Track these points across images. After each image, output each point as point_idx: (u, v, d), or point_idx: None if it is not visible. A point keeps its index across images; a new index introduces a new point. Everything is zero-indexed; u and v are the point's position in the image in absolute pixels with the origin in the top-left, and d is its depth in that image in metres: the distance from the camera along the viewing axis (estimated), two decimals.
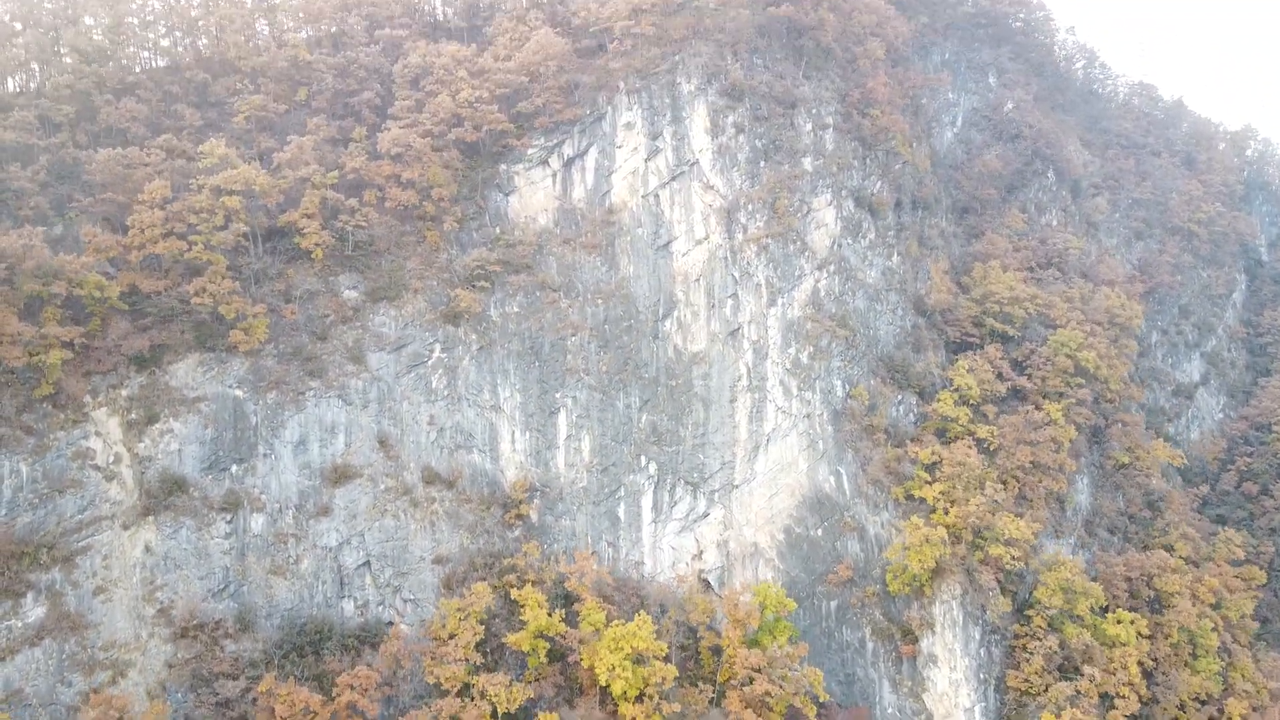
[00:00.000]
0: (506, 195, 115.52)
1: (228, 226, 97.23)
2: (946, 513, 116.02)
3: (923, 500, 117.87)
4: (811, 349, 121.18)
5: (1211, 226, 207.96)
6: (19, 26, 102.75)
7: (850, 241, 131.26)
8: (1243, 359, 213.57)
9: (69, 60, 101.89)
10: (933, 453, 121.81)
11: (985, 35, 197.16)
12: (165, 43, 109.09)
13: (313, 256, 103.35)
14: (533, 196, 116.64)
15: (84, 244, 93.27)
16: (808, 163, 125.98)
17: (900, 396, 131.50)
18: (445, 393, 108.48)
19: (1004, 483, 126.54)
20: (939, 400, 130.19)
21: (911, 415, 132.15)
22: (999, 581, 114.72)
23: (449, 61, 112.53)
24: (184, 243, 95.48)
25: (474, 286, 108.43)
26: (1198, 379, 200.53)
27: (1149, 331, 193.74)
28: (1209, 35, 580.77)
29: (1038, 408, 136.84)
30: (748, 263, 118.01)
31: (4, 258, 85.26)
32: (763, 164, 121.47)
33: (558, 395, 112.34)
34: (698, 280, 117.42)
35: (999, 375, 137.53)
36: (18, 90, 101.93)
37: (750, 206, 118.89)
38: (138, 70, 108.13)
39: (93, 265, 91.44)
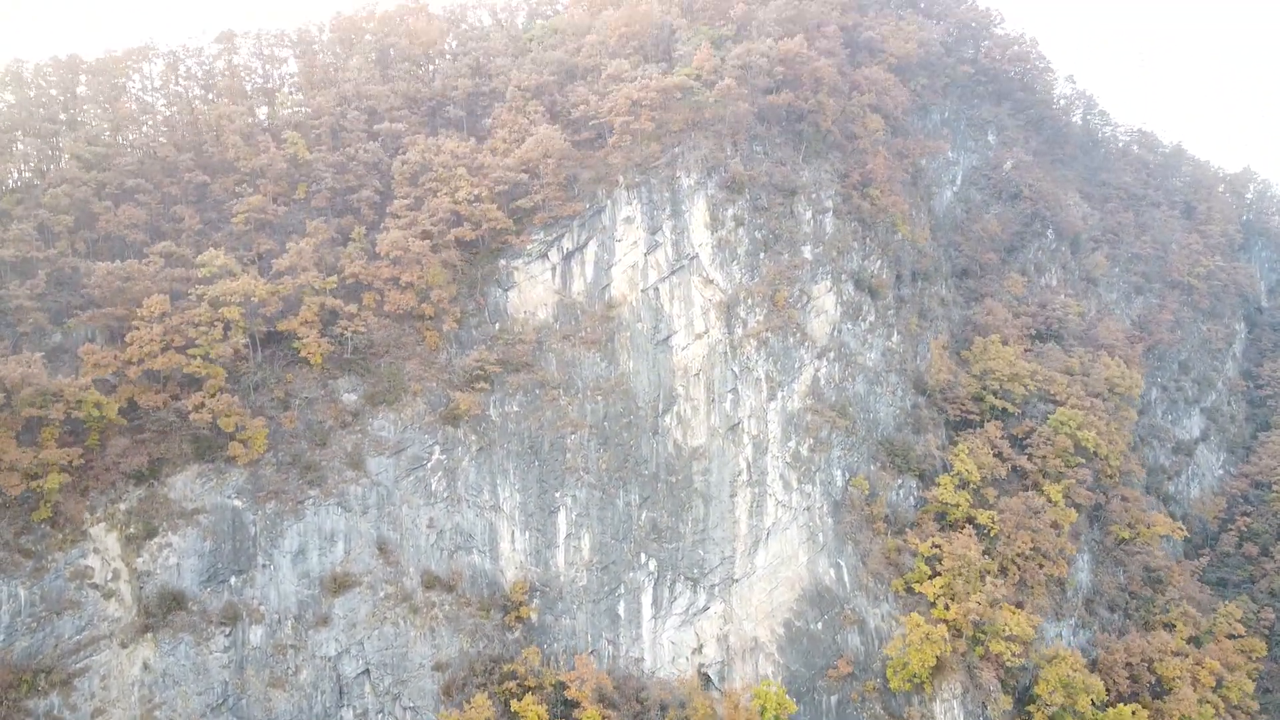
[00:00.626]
0: (506, 290, 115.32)
1: (226, 338, 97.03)
2: (947, 608, 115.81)
3: (923, 595, 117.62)
4: (811, 441, 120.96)
5: (1211, 280, 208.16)
6: (19, 134, 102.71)
7: (850, 326, 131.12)
8: (1242, 411, 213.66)
9: (68, 165, 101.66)
10: (933, 544, 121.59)
11: (985, 91, 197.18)
12: (164, 140, 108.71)
13: (311, 362, 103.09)
14: (532, 290, 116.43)
15: (82, 360, 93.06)
16: (807, 251, 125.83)
17: (900, 480, 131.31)
18: (445, 494, 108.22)
19: (1004, 569, 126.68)
20: (939, 485, 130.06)
21: (912, 499, 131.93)
22: (1000, 679, 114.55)
23: (448, 159, 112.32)
24: (183, 356, 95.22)
25: (473, 388, 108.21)
26: (1198, 435, 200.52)
27: (1149, 388, 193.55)
28: (1210, 75, 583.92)
29: (1037, 487, 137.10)
30: (747, 358, 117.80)
31: (2, 386, 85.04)
32: (762, 255, 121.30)
33: (557, 494, 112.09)
34: (697, 375, 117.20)
35: (999, 455, 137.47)
36: (16, 188, 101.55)
37: (750, 300, 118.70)
38: (137, 160, 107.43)
39: (90, 385, 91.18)
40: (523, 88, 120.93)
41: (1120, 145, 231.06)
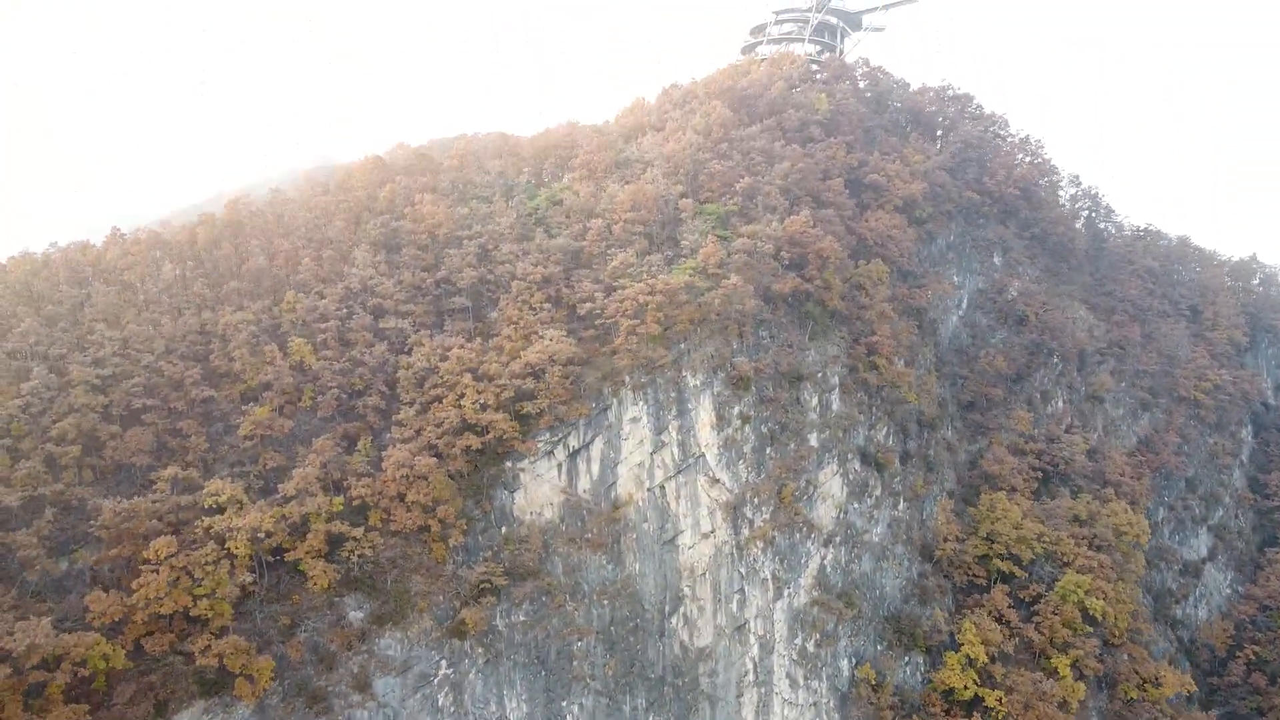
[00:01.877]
0: (512, 492, 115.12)
1: (233, 575, 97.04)
2: None
3: None
4: (818, 636, 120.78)
5: (1218, 395, 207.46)
6: (31, 362, 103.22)
7: (856, 505, 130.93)
8: (1249, 522, 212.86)
9: (77, 394, 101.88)
10: None
11: (991, 211, 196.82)
12: (171, 357, 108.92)
13: (317, 586, 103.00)
14: (538, 490, 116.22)
15: (88, 608, 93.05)
16: (813, 438, 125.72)
17: (907, 657, 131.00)
18: (452, 710, 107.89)
19: None
20: (946, 665, 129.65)
21: (919, 676, 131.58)
22: None
23: (454, 365, 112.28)
24: (189, 597, 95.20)
25: (480, 601, 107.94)
26: (1205, 554, 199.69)
27: (1156, 508, 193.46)
28: (1219, 156, 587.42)
29: (1045, 656, 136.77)
30: (754, 559, 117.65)
31: (8, 659, 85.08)
32: (769, 449, 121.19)
33: (564, 703, 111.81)
34: (704, 575, 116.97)
35: (1006, 624, 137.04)
36: (25, 420, 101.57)
37: (756, 499, 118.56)
38: (145, 379, 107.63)
39: (98, 637, 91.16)
40: (528, 279, 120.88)
41: (1125, 245, 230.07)
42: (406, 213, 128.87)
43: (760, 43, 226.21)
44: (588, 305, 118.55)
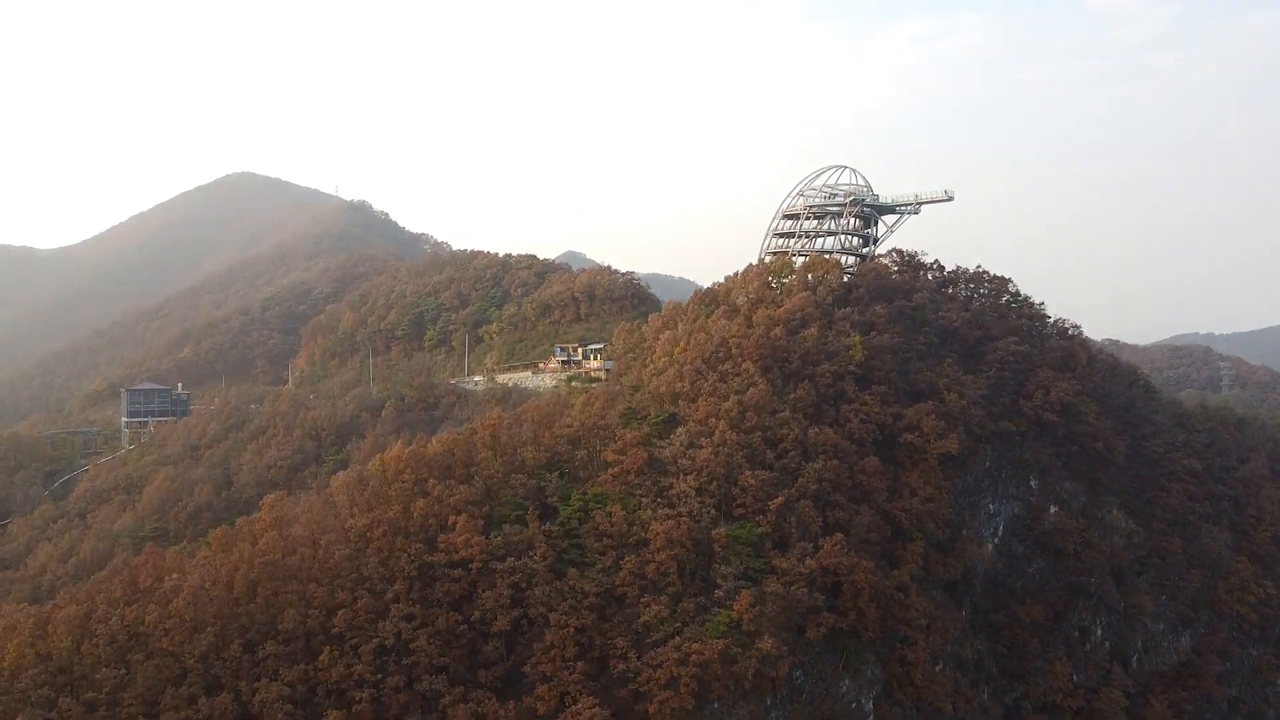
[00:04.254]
0: None
1: None
2: None
3: None
4: None
5: (1262, 609, 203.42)
6: None
7: None
8: None
9: None
10: None
11: (1028, 429, 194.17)
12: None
13: None
14: None
15: None
16: None
17: None
18: None
19: None
20: None
21: None
22: None
23: None
24: None
25: None
26: None
27: None
28: None
29: None
30: None
31: None
32: None
33: None
34: None
35: None
36: None
37: None
38: None
39: None
40: (562, 629, 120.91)
41: (1165, 439, 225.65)
42: (441, 542, 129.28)
43: (794, 233, 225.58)
44: (620, 666, 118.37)
